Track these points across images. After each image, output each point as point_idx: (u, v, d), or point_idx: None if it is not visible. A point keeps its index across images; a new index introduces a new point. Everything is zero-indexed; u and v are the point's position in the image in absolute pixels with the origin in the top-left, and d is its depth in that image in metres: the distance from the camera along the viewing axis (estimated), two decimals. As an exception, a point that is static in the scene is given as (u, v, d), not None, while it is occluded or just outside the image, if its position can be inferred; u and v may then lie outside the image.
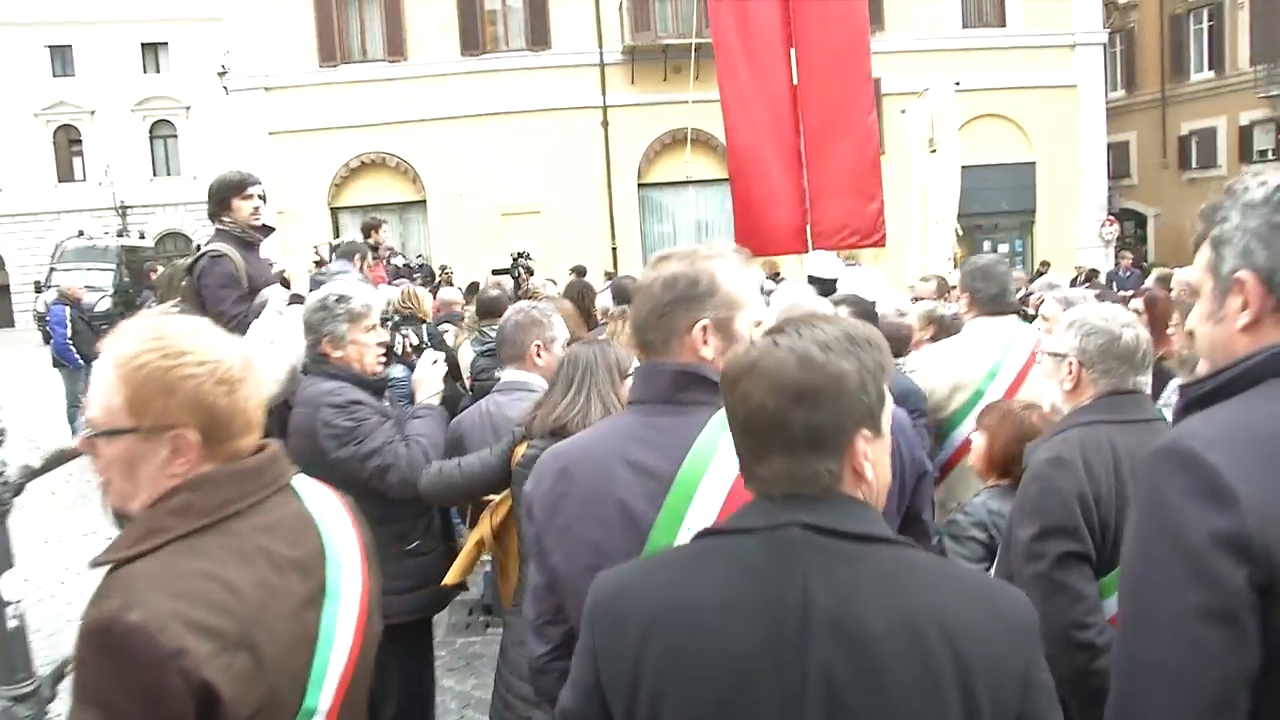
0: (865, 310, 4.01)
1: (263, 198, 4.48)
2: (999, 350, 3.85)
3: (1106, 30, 23.72)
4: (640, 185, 21.22)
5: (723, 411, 1.47)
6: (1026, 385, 3.69)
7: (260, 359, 1.52)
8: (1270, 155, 24.30)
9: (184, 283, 4.44)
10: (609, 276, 14.74)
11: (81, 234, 28.92)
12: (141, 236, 34.61)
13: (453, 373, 6.77)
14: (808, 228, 7.13)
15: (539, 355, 3.35)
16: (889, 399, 1.38)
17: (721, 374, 1.41)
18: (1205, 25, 26.09)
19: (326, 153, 20.29)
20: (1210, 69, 25.99)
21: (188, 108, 37.39)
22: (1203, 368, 1.49)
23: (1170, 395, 3.54)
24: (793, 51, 7.02)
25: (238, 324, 3.93)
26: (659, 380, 1.79)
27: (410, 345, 6.55)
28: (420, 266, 17.49)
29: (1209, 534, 1.24)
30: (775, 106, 7.09)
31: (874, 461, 1.34)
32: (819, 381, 1.30)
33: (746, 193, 7.36)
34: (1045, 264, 19.86)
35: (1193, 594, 1.25)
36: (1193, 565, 1.25)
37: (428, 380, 3.52)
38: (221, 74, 21.99)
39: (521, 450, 2.83)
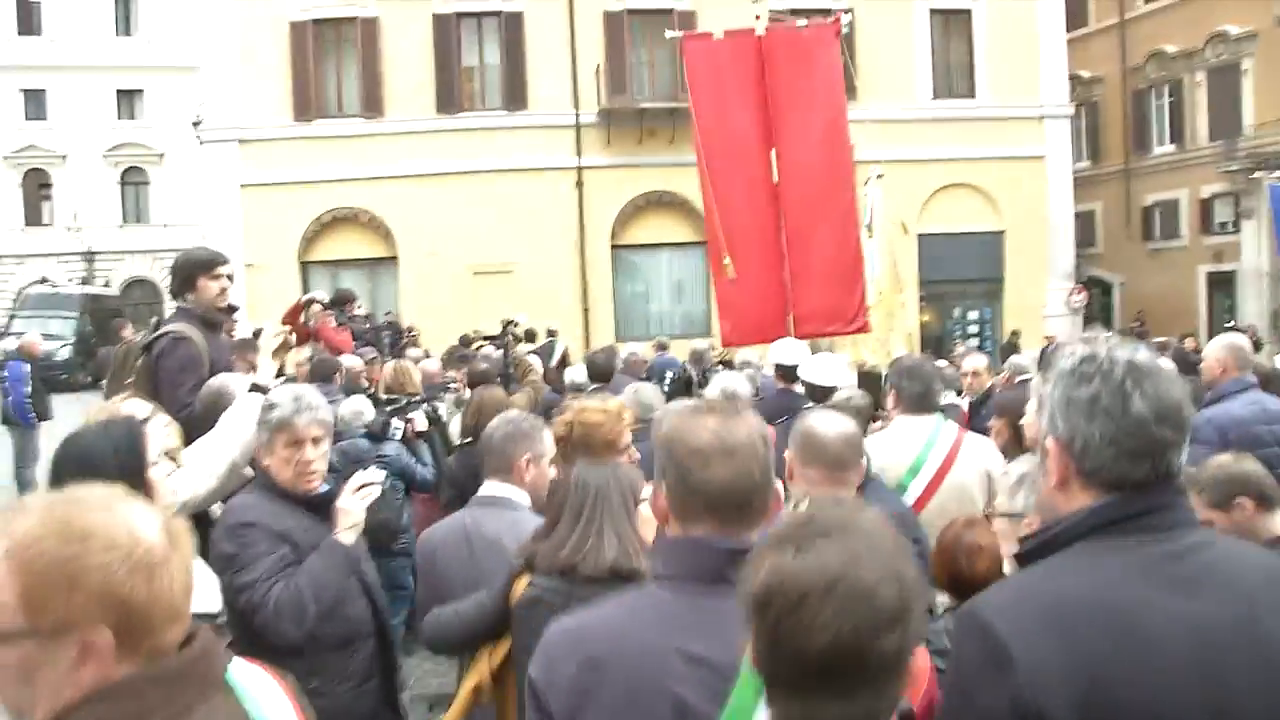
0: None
1: (230, 278, 4.31)
2: (920, 448, 4.02)
3: (1073, 104, 24.27)
4: (614, 246, 21.26)
5: None
6: (945, 484, 3.92)
7: (184, 529, 1.33)
8: (1230, 227, 24.80)
9: (139, 362, 4.19)
10: (551, 334, 14.60)
11: (45, 280, 28.57)
12: (106, 284, 34.23)
13: (446, 444, 6.72)
14: (789, 318, 7.30)
15: (527, 470, 3.14)
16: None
17: (767, 587, 1.19)
18: (1166, 101, 26.76)
19: (298, 207, 20.19)
20: (1172, 143, 26.60)
21: (161, 155, 37.21)
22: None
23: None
24: (773, 152, 7.27)
25: (189, 415, 3.79)
26: (708, 557, 1.59)
27: (414, 430, 6.35)
28: (389, 325, 17.36)
29: (993, 699, 1.35)
30: (757, 205, 7.36)
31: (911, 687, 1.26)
32: (910, 602, 1.19)
33: (728, 287, 7.57)
34: (1015, 333, 20.07)
35: None
36: None
37: (348, 510, 3.00)
38: (196, 124, 21.92)
39: (522, 586, 2.55)
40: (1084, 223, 26.34)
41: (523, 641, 2.42)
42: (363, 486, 3.05)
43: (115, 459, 2.35)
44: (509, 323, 11.18)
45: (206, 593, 2.44)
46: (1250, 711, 1.35)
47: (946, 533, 3.06)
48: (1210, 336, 21.18)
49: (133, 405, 3.04)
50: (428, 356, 10.79)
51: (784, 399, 6.08)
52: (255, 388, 3.51)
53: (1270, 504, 2.99)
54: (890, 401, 4.23)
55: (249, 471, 3.27)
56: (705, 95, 7.80)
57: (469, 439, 5.29)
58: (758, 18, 8.12)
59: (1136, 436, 1.46)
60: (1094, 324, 23.05)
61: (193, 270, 4.18)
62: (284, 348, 4.08)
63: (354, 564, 2.99)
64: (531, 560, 2.52)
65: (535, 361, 8.98)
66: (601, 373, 7.66)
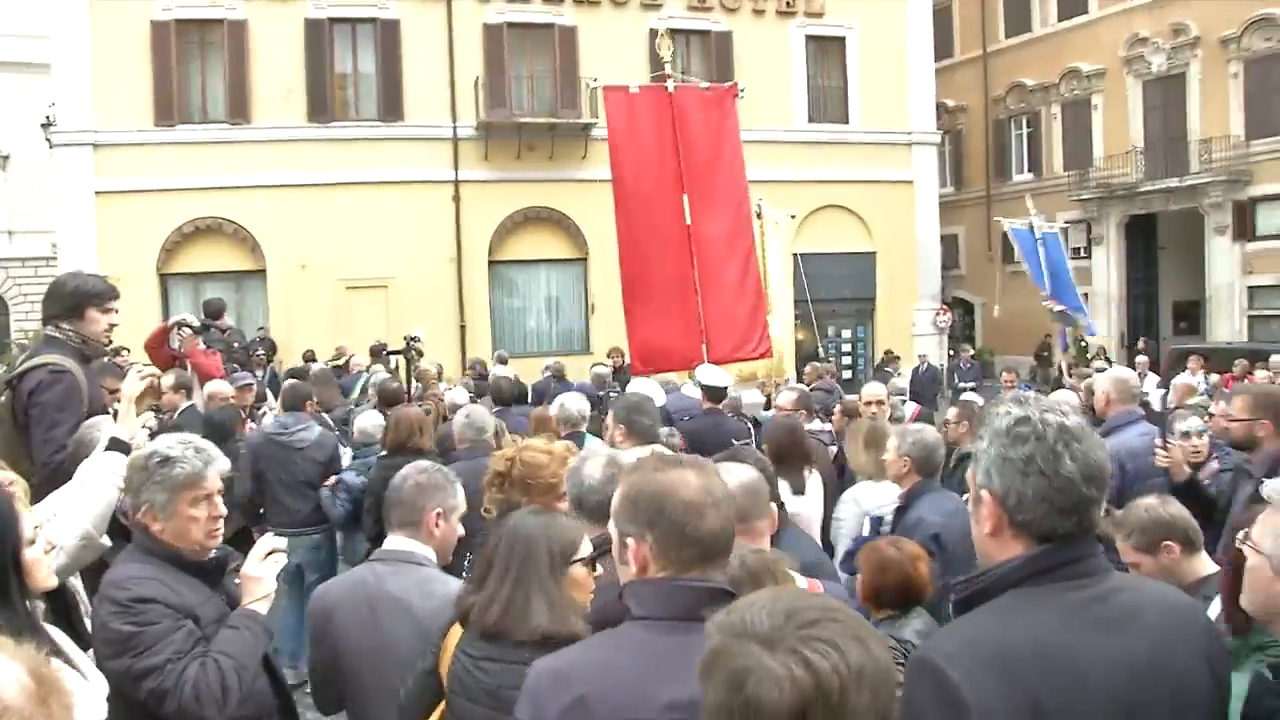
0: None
1: (118, 311, 3.93)
2: None
3: (939, 131, 25.24)
4: (491, 262, 20.92)
5: None
6: None
7: (56, 677, 1.06)
8: (1082, 253, 26.14)
9: (2, 398, 3.71)
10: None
11: None
12: (-57, 294, 31.86)
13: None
14: (703, 346, 8.10)
15: (436, 525, 2.91)
16: None
17: (805, 696, 1.15)
18: (1025, 132, 28.12)
19: (158, 216, 19.15)
20: (1030, 171, 27.94)
21: (5, 157, 34.91)
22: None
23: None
24: (684, 196, 8.08)
25: (61, 460, 3.36)
26: (686, 598, 1.69)
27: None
28: (261, 340, 16.67)
29: None
30: (670, 243, 8.14)
31: None
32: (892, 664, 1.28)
33: (640, 319, 8.38)
34: (889, 352, 20.62)
35: None
36: None
37: (260, 578, 2.70)
38: (45, 125, 20.60)
39: (453, 646, 2.37)
40: (949, 245, 27.38)
41: (460, 708, 2.30)
42: (271, 553, 2.74)
43: None
44: (411, 338, 11.30)
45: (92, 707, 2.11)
46: None
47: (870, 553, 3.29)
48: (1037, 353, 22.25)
49: None
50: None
51: (713, 418, 6.90)
52: (115, 444, 3.11)
53: (1194, 547, 3.08)
54: (619, 435, 4.57)
55: (106, 541, 2.90)
56: (622, 141, 8.53)
57: (386, 453, 5.78)
58: (668, 76, 8.88)
59: (1066, 494, 1.61)
60: (958, 343, 23.91)
61: (83, 300, 3.79)
62: (150, 393, 3.66)
63: (263, 639, 2.69)
64: (466, 614, 2.34)
65: (459, 393, 9.23)
66: (505, 396, 8.32)
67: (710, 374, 7.31)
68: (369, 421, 6.91)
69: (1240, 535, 1.97)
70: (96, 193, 18.99)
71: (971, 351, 21.06)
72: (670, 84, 8.66)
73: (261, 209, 19.47)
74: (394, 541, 2.92)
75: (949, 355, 22.27)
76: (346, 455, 7.15)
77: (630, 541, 1.79)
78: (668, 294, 8.32)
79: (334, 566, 6.72)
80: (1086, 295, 25.74)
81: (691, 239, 8.22)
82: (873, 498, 4.68)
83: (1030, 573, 1.62)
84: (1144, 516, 3.09)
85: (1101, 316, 25.52)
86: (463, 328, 20.40)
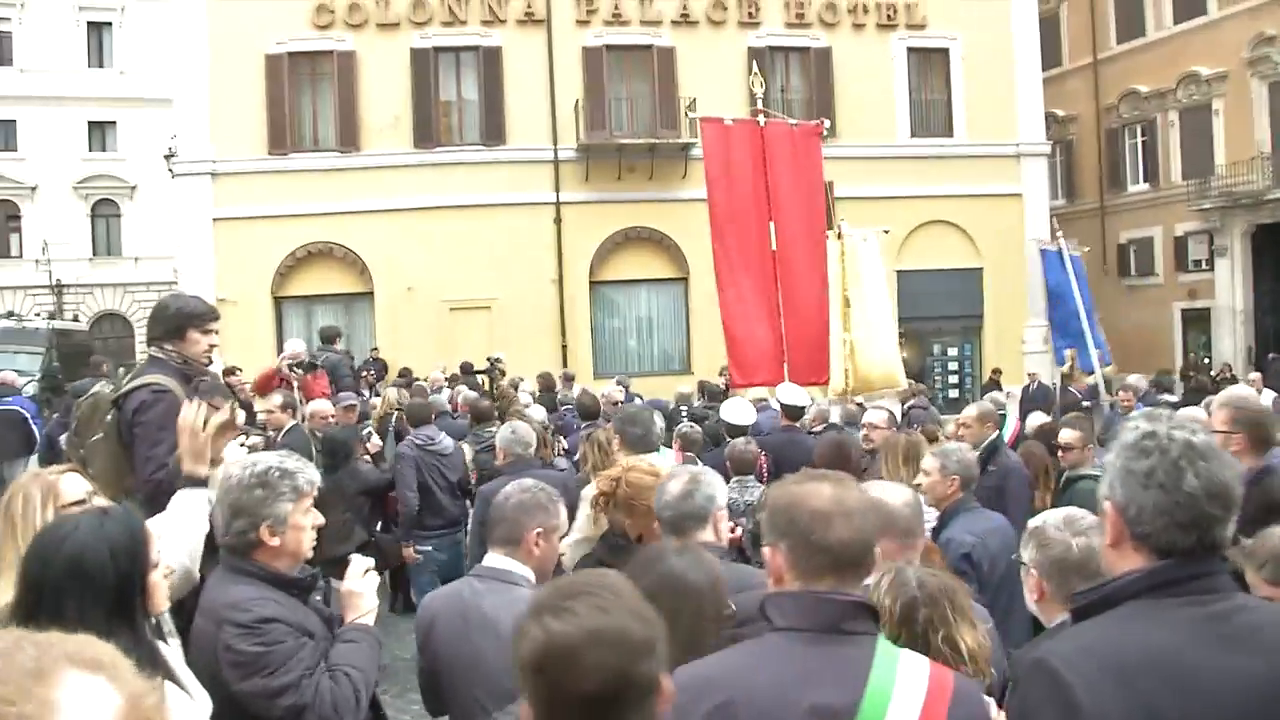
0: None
1: (218, 333, 3.98)
2: None
3: (1049, 142, 24.45)
4: (592, 282, 21.07)
5: (885, 642, 1.70)
6: None
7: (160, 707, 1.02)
8: (1204, 265, 24.99)
9: (109, 416, 3.74)
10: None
11: (12, 314, 27.96)
12: (75, 319, 33.61)
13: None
14: (784, 365, 8.76)
15: (536, 545, 2.91)
16: None
17: (543, 650, 1.35)
18: (1139, 140, 27.05)
19: (272, 241, 19.88)
20: (1146, 181, 26.85)
21: (133, 188, 36.77)
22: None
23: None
24: (772, 225, 8.81)
25: (162, 479, 3.37)
26: (828, 610, 1.75)
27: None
28: (374, 360, 17.09)
29: None
30: (756, 267, 8.84)
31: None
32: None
33: (735, 335, 9.02)
34: (997, 370, 20.01)
35: None
36: None
37: (362, 593, 2.78)
38: (168, 157, 21.62)
39: None
40: (1060, 260, 26.45)
41: None
42: (368, 571, 2.81)
43: (113, 565, 2.03)
44: (494, 360, 11.65)
45: None
46: None
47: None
48: (1185, 372, 21.27)
49: (71, 481, 2.69)
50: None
51: (788, 434, 7.44)
52: (191, 480, 3.08)
53: None
54: (616, 444, 4.97)
55: (197, 575, 2.92)
56: (717, 168, 9.19)
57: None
58: (760, 111, 9.64)
59: (1187, 509, 1.64)
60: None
61: (185, 321, 3.82)
62: (229, 428, 3.67)
63: (379, 650, 2.79)
64: None
65: (524, 397, 9.50)
66: (589, 412, 8.63)
67: (789, 393, 7.83)
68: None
69: None
70: (214, 220, 19.80)
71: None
72: (761, 118, 9.36)
73: (370, 233, 20.02)
74: (493, 559, 2.94)
75: (1063, 374, 21.45)
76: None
77: (767, 550, 1.87)
78: (758, 314, 9.01)
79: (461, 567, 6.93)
80: (1209, 309, 24.68)
81: (776, 263, 8.92)
82: None
83: (1150, 585, 1.65)
84: (1276, 548, 2.84)
85: (1226, 331, 24.31)
86: (564, 348, 20.55)
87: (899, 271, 22.25)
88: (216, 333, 3.94)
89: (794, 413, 7.59)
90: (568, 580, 1.52)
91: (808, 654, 1.71)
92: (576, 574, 1.64)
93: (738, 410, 7.48)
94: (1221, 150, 24.48)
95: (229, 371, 12.38)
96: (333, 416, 7.87)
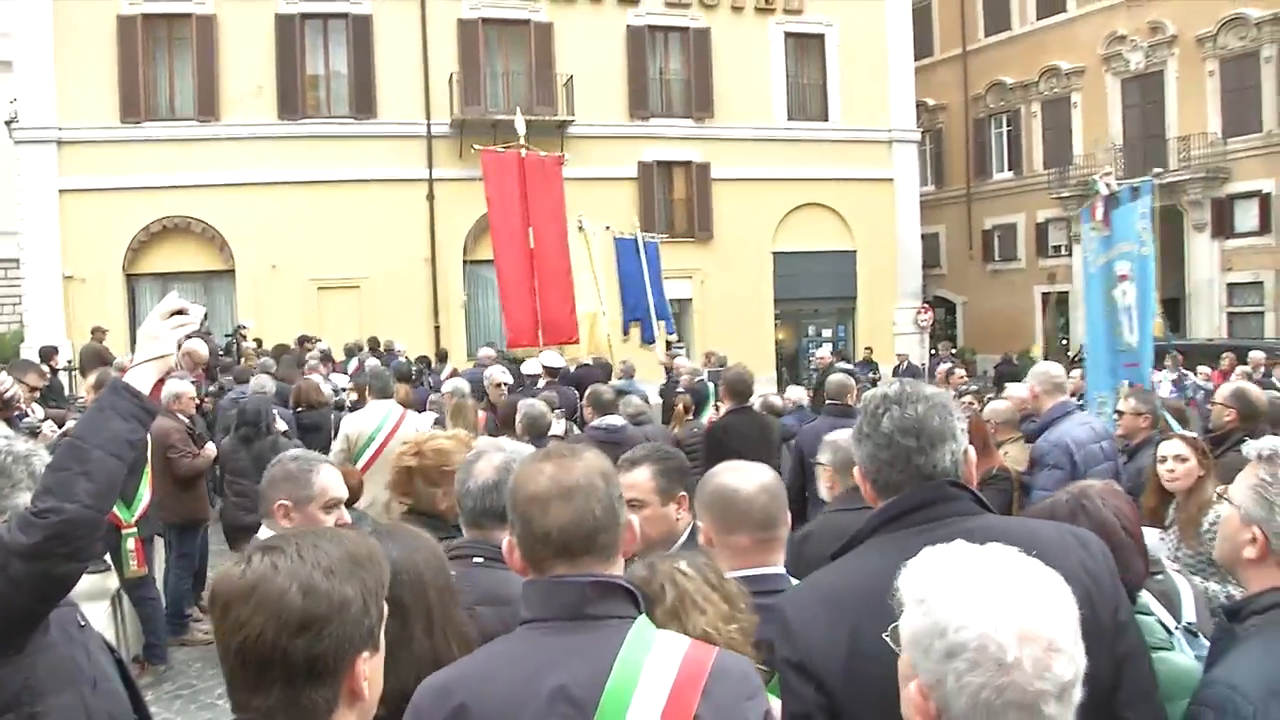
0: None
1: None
2: (378, 421, 6.57)
3: (919, 129, 25.10)
4: (467, 262, 20.60)
5: (643, 624, 1.62)
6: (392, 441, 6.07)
7: None
8: (1063, 250, 26.09)
9: None
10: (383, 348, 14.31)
11: None
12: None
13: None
14: (539, 331, 11.62)
15: (288, 518, 2.71)
16: (385, 610, 1.40)
17: (211, 594, 1.34)
18: (1005, 130, 28.04)
19: (124, 215, 18.74)
20: (1010, 170, 27.87)
21: (-27, 157, 34.30)
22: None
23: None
24: (530, 229, 11.76)
25: None
26: (566, 593, 1.63)
27: None
28: (240, 329, 16.26)
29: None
30: (522, 258, 11.71)
31: (370, 679, 1.36)
32: (322, 611, 1.28)
33: (508, 310, 11.94)
34: (869, 349, 20.49)
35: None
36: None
37: (152, 335, 2.24)
38: (9, 123, 20.15)
39: None
40: (929, 244, 27.28)
41: None
42: (175, 313, 2.28)
43: None
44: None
45: None
46: None
47: None
48: (1046, 353, 22.23)
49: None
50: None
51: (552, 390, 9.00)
52: None
53: None
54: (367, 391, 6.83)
55: None
56: (493, 188, 11.92)
57: None
58: (523, 145, 12.57)
59: (887, 448, 1.85)
60: (941, 342, 23.81)
61: None
62: None
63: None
64: None
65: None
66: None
67: (550, 357, 10.56)
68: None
69: (1220, 490, 2.20)
70: (60, 191, 18.58)
71: (953, 350, 20.94)
72: (524, 151, 12.39)
73: (231, 208, 19.10)
74: (263, 531, 2.74)
75: (930, 354, 22.13)
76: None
77: (505, 544, 1.76)
78: (520, 292, 11.70)
79: None
80: (1067, 292, 25.82)
81: (534, 258, 11.73)
82: None
83: (881, 522, 1.85)
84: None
85: (1082, 314, 25.46)
86: (437, 328, 20.09)
87: (775, 253, 22.57)
88: None
89: (553, 371, 9.96)
90: (297, 530, 1.48)
91: (551, 643, 1.61)
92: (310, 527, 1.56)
93: (553, 358, 10.39)
94: (1080, 141, 25.57)
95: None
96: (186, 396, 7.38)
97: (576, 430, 7.46)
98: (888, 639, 1.30)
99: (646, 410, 7.67)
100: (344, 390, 10.59)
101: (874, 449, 1.86)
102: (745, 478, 2.37)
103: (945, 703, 1.17)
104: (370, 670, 1.34)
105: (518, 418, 6.29)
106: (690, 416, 9.30)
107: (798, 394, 10.90)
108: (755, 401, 7.71)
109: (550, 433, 6.37)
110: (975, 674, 1.14)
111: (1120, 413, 5.66)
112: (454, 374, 11.11)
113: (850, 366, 15.35)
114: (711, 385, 9.95)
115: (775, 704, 1.74)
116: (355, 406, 8.59)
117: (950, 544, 1.32)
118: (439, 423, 6.57)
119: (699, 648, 1.64)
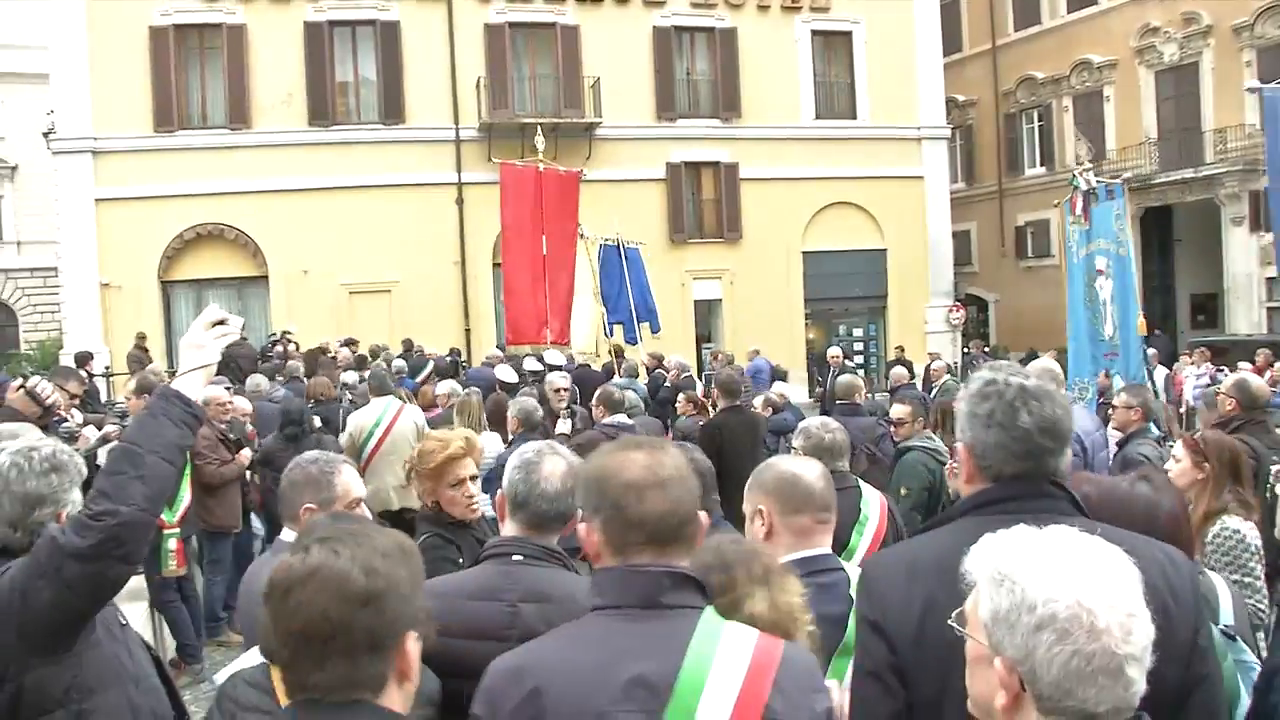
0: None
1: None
2: (378, 414, 7.25)
3: (949, 126, 24.87)
4: (496, 265, 20.63)
5: (710, 614, 1.66)
6: (394, 431, 7.21)
7: None
8: (1097, 247, 25.73)
9: None
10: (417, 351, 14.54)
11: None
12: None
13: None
14: (546, 331, 12.22)
15: (304, 520, 2.69)
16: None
17: (270, 585, 1.41)
18: (1036, 125, 27.72)
19: (159, 222, 19.01)
20: (1042, 165, 27.54)
21: (14, 169, 34.89)
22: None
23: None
24: (543, 237, 12.22)
25: None
26: (643, 582, 1.66)
27: None
28: (285, 334, 16.43)
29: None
30: (534, 263, 12.22)
31: (413, 665, 1.46)
32: (382, 586, 1.39)
33: (511, 306, 12.60)
34: (900, 348, 20.30)
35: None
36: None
37: (197, 345, 2.34)
38: (47, 134, 20.48)
39: None
40: (960, 242, 27.02)
41: None
42: (217, 324, 2.37)
43: None
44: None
45: None
46: None
47: None
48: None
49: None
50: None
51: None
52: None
53: None
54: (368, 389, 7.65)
55: None
56: (509, 197, 12.49)
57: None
58: (541, 163, 13.02)
59: (1022, 442, 1.83)
60: (973, 340, 23.57)
61: None
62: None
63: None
64: None
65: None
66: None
67: (554, 356, 11.64)
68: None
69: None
70: (97, 200, 18.88)
71: (986, 348, 20.73)
72: (541, 166, 12.86)
73: (263, 214, 19.32)
74: (285, 534, 2.81)
75: (963, 352, 21.91)
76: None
77: (583, 527, 1.77)
78: (532, 294, 12.33)
79: None
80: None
81: (545, 264, 12.30)
82: None
83: (974, 505, 1.88)
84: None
85: (1117, 311, 25.10)
86: (467, 331, 20.17)
87: (805, 253, 22.46)
88: None
89: (553, 368, 10.52)
90: (332, 525, 1.53)
91: (627, 630, 1.64)
92: (340, 522, 1.61)
93: (557, 357, 11.52)
94: (1113, 135, 25.21)
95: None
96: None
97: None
98: (953, 624, 1.38)
99: (640, 405, 8.16)
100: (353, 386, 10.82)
101: (1007, 440, 1.83)
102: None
103: (1034, 675, 1.25)
104: (413, 654, 1.44)
105: (510, 414, 6.53)
106: (694, 410, 9.20)
107: (785, 389, 11.97)
108: (757, 401, 9.08)
109: (558, 431, 6.95)
110: (1066, 643, 1.22)
111: (1103, 400, 5.75)
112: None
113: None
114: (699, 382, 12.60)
115: (835, 687, 1.80)
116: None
117: (1012, 530, 1.40)
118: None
119: (768, 639, 1.69)
